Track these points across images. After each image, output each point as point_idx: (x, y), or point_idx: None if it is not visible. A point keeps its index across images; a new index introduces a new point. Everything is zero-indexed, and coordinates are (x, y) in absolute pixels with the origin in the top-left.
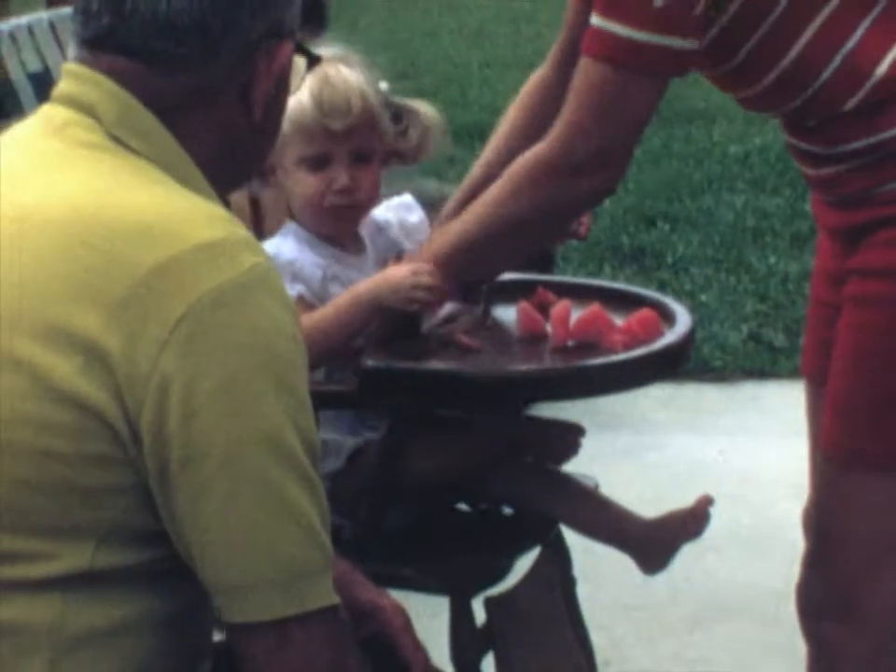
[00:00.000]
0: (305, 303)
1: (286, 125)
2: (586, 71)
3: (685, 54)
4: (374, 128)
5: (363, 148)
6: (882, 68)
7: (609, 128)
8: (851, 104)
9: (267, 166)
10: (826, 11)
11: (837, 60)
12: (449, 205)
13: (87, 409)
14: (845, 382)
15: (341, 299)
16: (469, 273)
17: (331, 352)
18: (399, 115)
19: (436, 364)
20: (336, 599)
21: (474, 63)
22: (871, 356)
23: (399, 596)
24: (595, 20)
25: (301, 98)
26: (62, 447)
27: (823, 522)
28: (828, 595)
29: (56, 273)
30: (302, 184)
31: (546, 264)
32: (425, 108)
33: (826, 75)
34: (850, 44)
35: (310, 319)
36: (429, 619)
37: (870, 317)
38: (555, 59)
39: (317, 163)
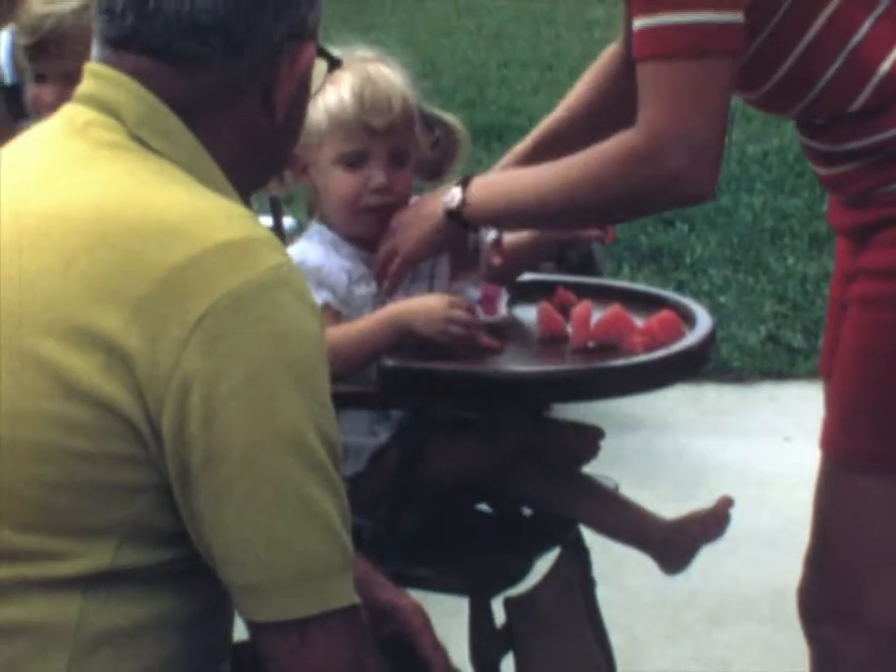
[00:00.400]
0: (331, 311)
1: (324, 122)
2: (651, 75)
3: (737, 27)
4: (412, 130)
5: (401, 149)
6: (886, 65)
7: (697, 124)
8: (858, 102)
9: (299, 165)
10: (830, 8)
11: (842, 57)
12: (518, 148)
13: (108, 408)
14: (848, 382)
15: (374, 315)
16: (501, 221)
17: (355, 366)
18: (430, 124)
19: (455, 364)
20: (357, 599)
21: (492, 64)
22: (875, 356)
23: (419, 596)
24: (641, 21)
25: (341, 94)
26: (84, 446)
27: (824, 523)
28: (828, 597)
29: (79, 272)
30: (338, 183)
31: (588, 267)
32: (455, 122)
33: (831, 72)
34: (855, 40)
35: (338, 331)
36: (449, 619)
37: (875, 317)
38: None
39: (355, 162)
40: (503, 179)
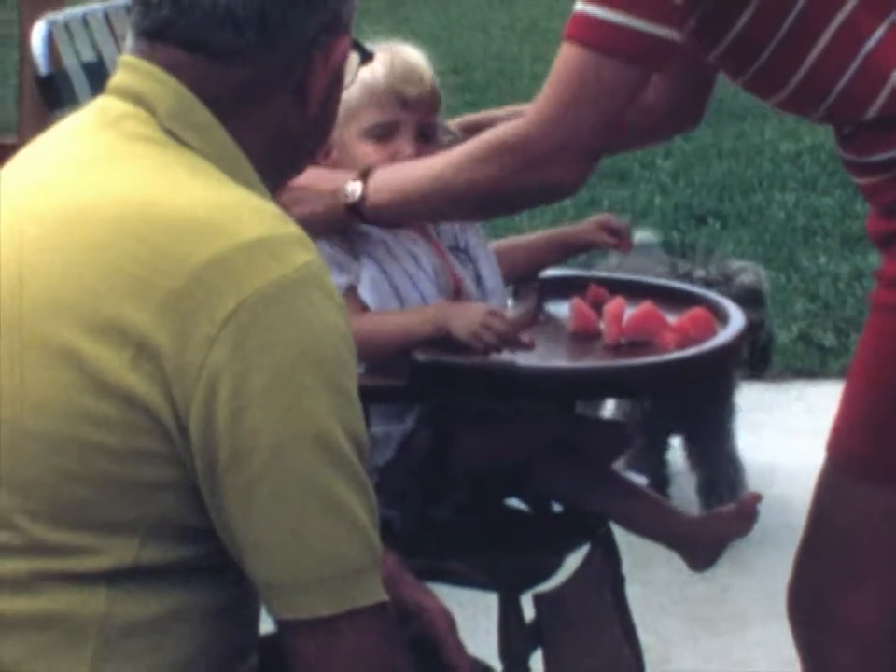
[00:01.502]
0: (355, 296)
1: (355, 94)
2: (564, 55)
3: (663, 43)
4: (437, 108)
5: (429, 123)
6: None
7: (579, 115)
8: (873, 110)
9: (323, 150)
10: (843, 15)
11: (856, 63)
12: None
13: (136, 404)
14: (858, 386)
15: (416, 311)
16: (404, 218)
17: (385, 356)
18: (446, 129)
19: (486, 359)
20: (385, 597)
21: (525, 59)
22: (887, 363)
23: (448, 589)
24: (578, 4)
25: (373, 67)
26: (110, 442)
27: (817, 525)
28: (816, 600)
29: (108, 266)
30: (365, 157)
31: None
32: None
33: (846, 78)
34: (868, 46)
35: (374, 319)
36: (478, 614)
37: (891, 324)
38: None
39: (384, 135)
40: (401, 174)
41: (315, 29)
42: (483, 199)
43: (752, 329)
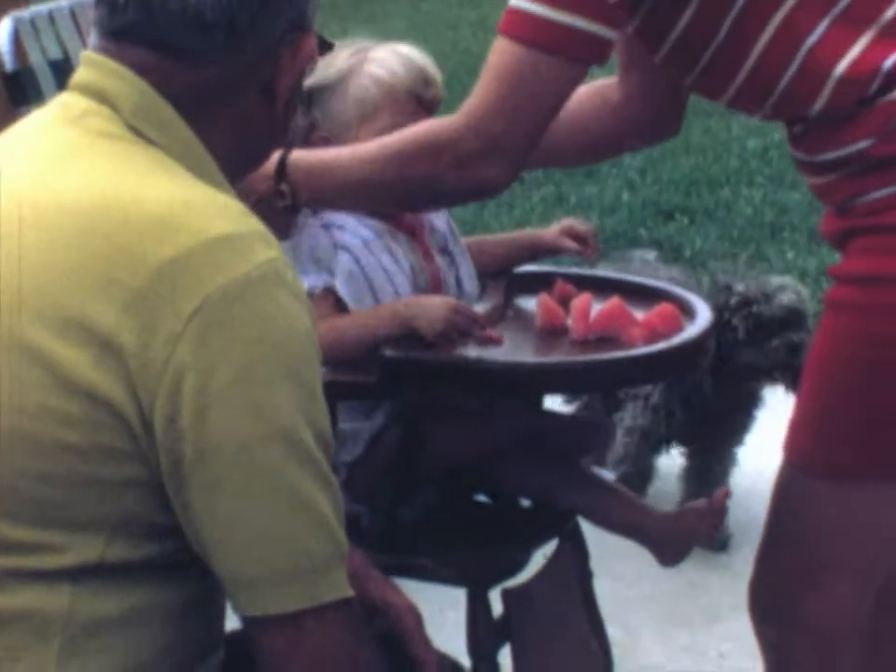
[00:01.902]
0: (332, 295)
1: (371, 95)
2: (499, 51)
3: (600, 42)
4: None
5: None
6: (840, 67)
7: (513, 113)
8: (818, 106)
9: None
10: (783, 12)
11: (798, 59)
12: None
13: (100, 401)
14: (809, 384)
15: (380, 309)
16: (331, 203)
17: (357, 355)
18: None
19: (454, 355)
20: (351, 592)
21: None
22: (835, 362)
23: (416, 585)
24: (518, 1)
25: (391, 67)
26: (75, 440)
27: (774, 523)
28: (774, 598)
29: (72, 263)
30: None
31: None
32: None
33: (788, 75)
34: (810, 42)
35: (344, 321)
36: (446, 609)
37: (841, 323)
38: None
39: None
40: (329, 162)
41: (283, 28)
42: (408, 192)
43: (793, 350)
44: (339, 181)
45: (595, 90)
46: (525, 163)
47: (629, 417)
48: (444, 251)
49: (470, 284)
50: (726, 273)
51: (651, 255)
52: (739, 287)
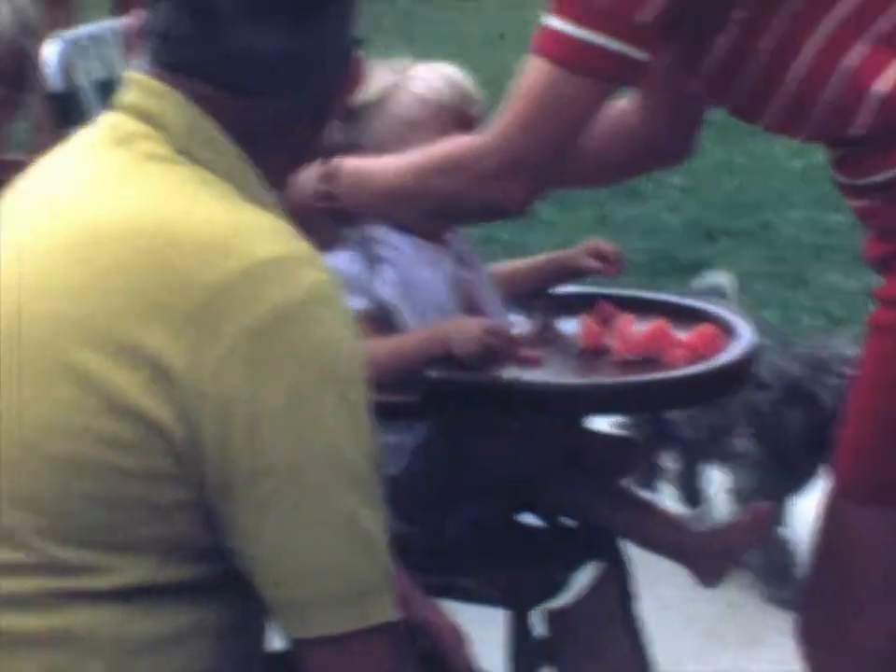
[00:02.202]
0: (370, 318)
1: (416, 113)
2: (528, 69)
3: (630, 62)
4: None
5: None
6: (880, 89)
7: (537, 131)
8: (857, 129)
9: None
10: (820, 34)
11: (837, 80)
12: None
13: (149, 425)
14: (855, 408)
15: (416, 333)
16: (371, 209)
17: (396, 379)
18: None
19: (496, 376)
20: (397, 615)
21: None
22: (885, 385)
23: (456, 606)
24: (546, 18)
25: (432, 85)
26: (124, 462)
27: (821, 547)
28: (823, 622)
29: (122, 287)
30: None
31: None
32: None
33: (827, 97)
34: (848, 64)
35: (381, 345)
36: (485, 629)
37: (886, 346)
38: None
39: None
40: (372, 170)
41: (338, 61)
42: (435, 206)
43: None
44: (377, 188)
45: (613, 110)
46: (547, 182)
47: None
48: (461, 261)
49: (493, 300)
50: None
51: (722, 277)
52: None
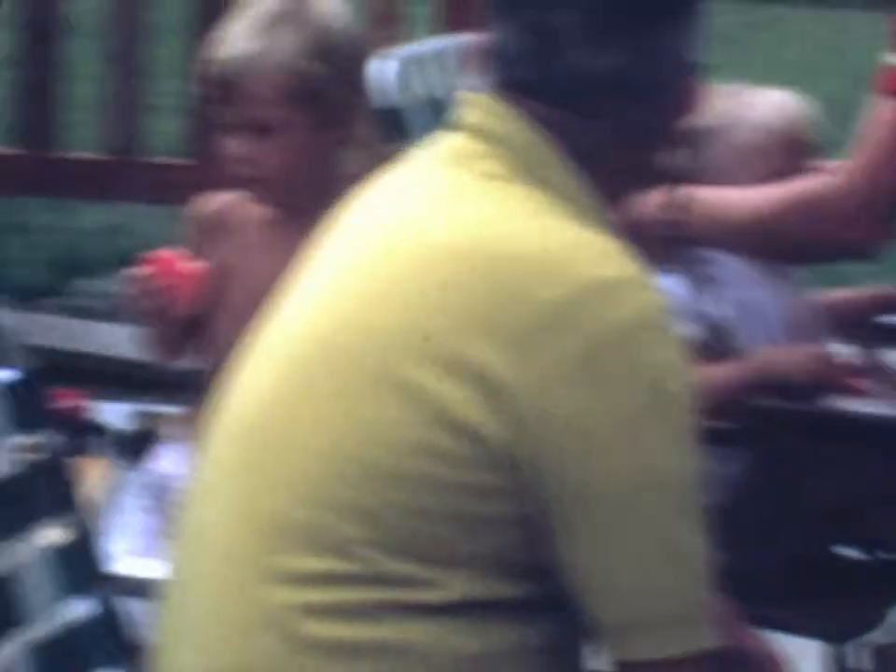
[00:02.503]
0: (700, 345)
1: (765, 138)
2: (878, 110)
3: None
4: None
5: None
6: None
7: (886, 174)
8: None
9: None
10: None
11: None
12: None
13: (478, 440)
14: None
15: (742, 363)
16: (715, 243)
17: (714, 403)
18: None
19: (817, 403)
20: (718, 643)
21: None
22: None
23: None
24: (891, 58)
25: (771, 114)
26: (450, 476)
27: None
28: None
29: (456, 303)
30: None
31: None
32: None
33: None
34: None
35: (706, 373)
36: (798, 660)
37: None
38: None
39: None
40: (723, 201)
41: (675, 82)
42: (787, 245)
43: None
44: (731, 223)
45: None
46: (888, 223)
47: None
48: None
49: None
50: None
51: None
52: None
